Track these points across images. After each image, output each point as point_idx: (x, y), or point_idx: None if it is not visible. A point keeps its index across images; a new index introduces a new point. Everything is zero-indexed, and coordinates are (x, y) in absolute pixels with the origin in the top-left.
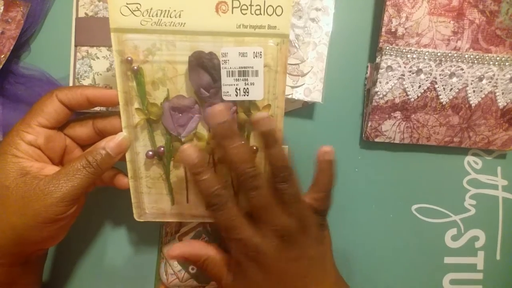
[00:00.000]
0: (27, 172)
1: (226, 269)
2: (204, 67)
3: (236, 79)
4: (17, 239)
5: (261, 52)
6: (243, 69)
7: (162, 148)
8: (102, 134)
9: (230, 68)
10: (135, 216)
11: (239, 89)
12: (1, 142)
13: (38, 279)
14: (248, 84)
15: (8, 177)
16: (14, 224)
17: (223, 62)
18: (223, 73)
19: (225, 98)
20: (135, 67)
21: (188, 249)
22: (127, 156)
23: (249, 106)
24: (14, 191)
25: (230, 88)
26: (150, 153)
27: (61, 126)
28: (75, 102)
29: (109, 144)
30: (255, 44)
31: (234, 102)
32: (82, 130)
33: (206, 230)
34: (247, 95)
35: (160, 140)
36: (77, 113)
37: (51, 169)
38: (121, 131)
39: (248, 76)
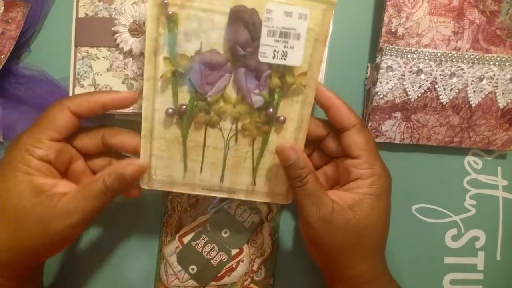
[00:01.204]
0: (40, 190)
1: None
2: (245, 23)
3: (276, 40)
4: (30, 256)
5: (307, 14)
6: (286, 30)
7: (184, 106)
8: (110, 148)
9: (272, 27)
10: (141, 183)
11: (278, 52)
12: (7, 158)
13: (40, 284)
14: (287, 47)
15: (23, 197)
16: (31, 244)
17: (265, 19)
18: (264, 31)
19: (261, 59)
20: (170, 12)
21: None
22: (143, 113)
23: (284, 71)
24: (31, 212)
25: (268, 49)
26: (170, 110)
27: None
28: (88, 111)
29: (128, 169)
30: (302, 5)
31: (269, 65)
32: (91, 142)
33: (206, 230)
34: (285, 59)
35: (183, 98)
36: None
37: (64, 185)
38: (133, 148)
39: (289, 38)
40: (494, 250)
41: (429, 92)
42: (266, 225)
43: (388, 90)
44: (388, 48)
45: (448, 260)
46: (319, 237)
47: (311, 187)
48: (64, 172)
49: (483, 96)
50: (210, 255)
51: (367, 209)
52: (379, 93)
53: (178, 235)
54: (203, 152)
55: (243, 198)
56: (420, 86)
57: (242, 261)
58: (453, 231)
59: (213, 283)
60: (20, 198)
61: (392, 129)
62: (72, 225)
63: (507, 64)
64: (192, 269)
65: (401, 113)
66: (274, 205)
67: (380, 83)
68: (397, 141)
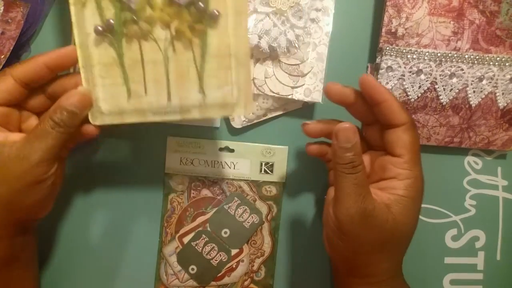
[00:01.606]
0: None
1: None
2: None
3: None
4: (6, 206)
5: None
6: None
7: (111, 20)
8: (54, 98)
9: None
10: (91, 119)
11: None
12: None
13: (35, 252)
14: None
15: None
16: (3, 197)
17: None
18: None
19: None
20: None
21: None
22: (77, 41)
23: None
24: None
25: None
26: (100, 28)
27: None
28: (34, 75)
29: (70, 101)
30: None
31: None
32: (37, 101)
33: (206, 230)
34: None
35: (109, 13)
36: None
37: (15, 136)
38: (75, 85)
39: None
40: (494, 250)
41: (429, 92)
42: (266, 225)
43: None
44: (388, 48)
45: (448, 260)
46: (354, 231)
47: (361, 178)
48: (19, 131)
49: (483, 96)
50: (210, 255)
51: (402, 211)
52: None
53: (178, 235)
54: (143, 69)
55: (197, 116)
56: (420, 86)
57: (242, 261)
58: (453, 231)
59: (213, 283)
60: None
61: None
62: (33, 166)
63: (507, 64)
64: (192, 269)
65: None
66: (274, 205)
67: (380, 83)
68: None
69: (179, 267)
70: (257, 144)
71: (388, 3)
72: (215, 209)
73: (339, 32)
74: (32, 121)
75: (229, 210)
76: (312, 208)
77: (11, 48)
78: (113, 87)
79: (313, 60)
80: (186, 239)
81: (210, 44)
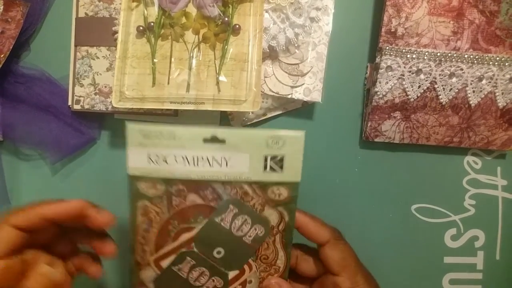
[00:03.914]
0: None
1: None
2: None
3: None
4: None
5: None
6: None
7: (152, 23)
8: (56, 223)
9: None
10: (114, 102)
11: None
12: None
13: None
14: None
15: None
16: None
17: None
18: None
19: None
20: None
21: None
22: (119, 38)
23: None
24: None
25: None
26: (141, 27)
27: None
28: (31, 225)
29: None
30: None
31: None
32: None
33: (191, 251)
34: None
35: (152, 17)
36: None
37: None
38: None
39: None
40: (493, 250)
41: (428, 92)
42: (278, 236)
43: (387, 90)
44: (387, 48)
45: (447, 260)
46: None
47: None
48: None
49: (483, 96)
50: (199, 281)
51: None
52: (378, 93)
53: (153, 257)
54: (170, 64)
55: (210, 108)
56: (419, 86)
57: (250, 282)
58: (453, 231)
59: None
60: None
61: (391, 128)
62: None
63: (506, 64)
64: None
65: (400, 113)
66: (285, 212)
67: (380, 83)
68: (396, 141)
69: None
70: (259, 130)
71: (387, 3)
72: (203, 223)
73: (339, 31)
74: (39, 266)
75: (222, 223)
76: (331, 212)
77: (11, 47)
78: (140, 76)
79: (312, 59)
80: (164, 263)
81: (230, 50)
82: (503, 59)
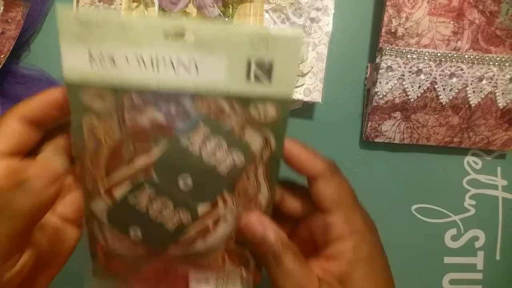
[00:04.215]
0: None
1: None
2: None
3: None
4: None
5: None
6: None
7: None
8: None
9: None
10: None
11: None
12: None
13: None
14: None
15: None
16: None
17: None
18: None
19: None
20: None
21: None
22: None
23: None
24: None
25: None
26: None
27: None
28: (41, 112)
29: (39, 172)
30: None
31: None
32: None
33: (150, 180)
34: None
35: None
36: None
37: None
38: None
39: None
40: (493, 250)
41: (428, 92)
42: (262, 167)
43: (387, 90)
44: (387, 48)
45: (447, 260)
46: None
47: (290, 265)
48: None
49: (483, 96)
50: (161, 214)
51: (360, 281)
52: (378, 93)
53: (104, 186)
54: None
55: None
56: (419, 86)
57: (225, 219)
58: (453, 231)
59: (176, 250)
60: None
61: (391, 129)
62: None
63: (506, 64)
64: (135, 234)
65: (400, 113)
66: (271, 135)
67: (380, 83)
68: (396, 141)
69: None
70: (241, 27)
71: (388, 3)
72: (167, 144)
73: (339, 31)
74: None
75: (189, 146)
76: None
77: (11, 48)
78: None
79: (313, 60)
80: (118, 193)
81: None
82: (503, 59)
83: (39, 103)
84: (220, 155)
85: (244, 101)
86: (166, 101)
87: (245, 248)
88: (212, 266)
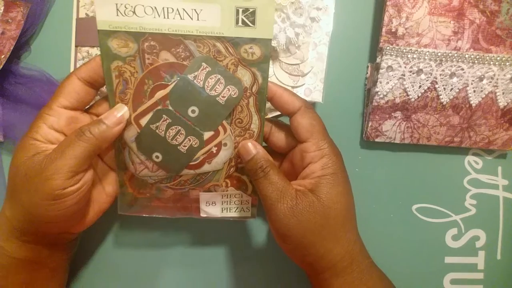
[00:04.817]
0: (38, 152)
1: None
2: None
3: None
4: (27, 216)
5: None
6: None
7: None
8: None
9: None
10: None
11: None
12: (29, 127)
13: (66, 262)
14: None
15: (21, 158)
16: (22, 201)
17: None
18: None
19: None
20: None
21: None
22: None
23: None
24: (21, 169)
25: None
26: None
27: (88, 108)
28: (97, 75)
29: (108, 116)
30: None
31: None
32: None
33: (167, 109)
34: None
35: None
36: None
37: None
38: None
39: None
40: (494, 249)
41: (429, 92)
42: (252, 99)
43: (388, 90)
44: (388, 48)
45: (448, 259)
46: (288, 227)
47: (274, 176)
48: None
49: (483, 96)
50: (176, 140)
51: (326, 190)
52: (379, 93)
53: (133, 115)
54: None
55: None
56: (420, 86)
57: (225, 144)
58: (454, 231)
59: (189, 171)
60: (18, 159)
61: (392, 129)
62: (48, 177)
63: (507, 64)
64: (157, 156)
65: (401, 113)
66: (258, 72)
67: (380, 83)
68: (397, 141)
69: (144, 156)
70: None
71: (388, 3)
72: (176, 79)
73: (340, 31)
74: None
75: (195, 80)
76: None
77: (11, 48)
78: None
79: (313, 59)
80: (143, 121)
81: None
82: (503, 58)
83: (94, 66)
84: (219, 89)
85: (235, 44)
86: (176, 45)
87: (243, 174)
88: (217, 189)
